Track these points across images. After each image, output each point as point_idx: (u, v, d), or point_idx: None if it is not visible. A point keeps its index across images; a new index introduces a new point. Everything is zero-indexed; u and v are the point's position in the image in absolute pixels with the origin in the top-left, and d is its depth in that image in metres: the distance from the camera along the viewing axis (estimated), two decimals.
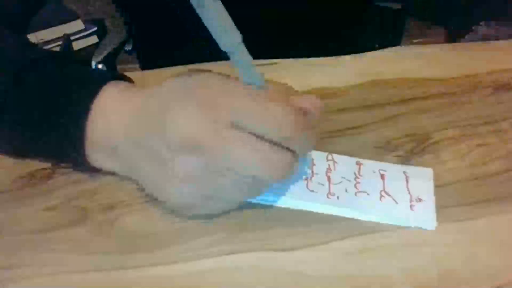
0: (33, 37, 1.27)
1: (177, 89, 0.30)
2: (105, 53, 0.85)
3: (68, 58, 0.38)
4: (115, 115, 0.33)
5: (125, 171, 0.35)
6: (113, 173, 0.36)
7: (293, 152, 0.30)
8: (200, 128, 0.28)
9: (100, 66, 0.85)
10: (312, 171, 0.37)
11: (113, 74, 0.36)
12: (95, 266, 0.31)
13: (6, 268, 0.30)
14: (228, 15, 0.27)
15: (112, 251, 0.32)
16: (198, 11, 0.26)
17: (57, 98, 0.34)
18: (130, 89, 0.35)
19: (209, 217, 0.33)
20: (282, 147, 0.29)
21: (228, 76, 0.31)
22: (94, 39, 1.36)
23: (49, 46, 1.29)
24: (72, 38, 1.31)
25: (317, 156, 0.38)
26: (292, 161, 0.30)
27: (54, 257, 0.31)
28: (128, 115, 0.32)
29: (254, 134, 0.28)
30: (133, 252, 0.32)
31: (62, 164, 0.37)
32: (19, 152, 0.38)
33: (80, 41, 1.35)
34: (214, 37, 0.27)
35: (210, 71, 0.31)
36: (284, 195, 0.35)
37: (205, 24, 0.27)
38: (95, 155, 0.34)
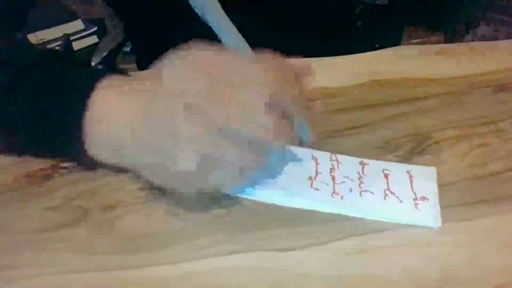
0: (33, 37, 1.27)
1: (170, 66, 0.31)
2: (104, 53, 0.85)
3: (66, 57, 0.38)
4: (115, 113, 0.33)
5: (131, 164, 0.34)
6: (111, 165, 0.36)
7: (287, 114, 0.31)
8: (202, 86, 0.29)
9: (99, 67, 0.85)
10: (316, 171, 0.37)
11: (106, 71, 0.36)
12: (95, 266, 0.31)
13: (6, 268, 0.30)
14: None
15: (112, 251, 0.32)
16: None
17: (53, 98, 0.34)
18: (127, 84, 0.35)
19: (208, 213, 0.33)
20: (276, 109, 0.30)
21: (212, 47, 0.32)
22: (94, 39, 1.36)
23: (49, 46, 1.29)
24: (72, 38, 1.31)
25: (321, 156, 0.38)
26: (287, 122, 0.31)
27: (54, 257, 0.31)
28: (129, 111, 0.33)
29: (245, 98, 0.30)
30: (133, 252, 0.32)
31: (63, 159, 0.37)
32: (18, 150, 0.37)
33: (80, 41, 1.34)
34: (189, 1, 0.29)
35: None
36: (289, 194, 0.35)
37: None
38: (97, 151, 0.34)
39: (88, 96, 0.33)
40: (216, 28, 0.29)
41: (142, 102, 0.32)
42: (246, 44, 0.31)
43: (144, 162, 0.32)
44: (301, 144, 0.35)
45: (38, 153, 0.37)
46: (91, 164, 0.35)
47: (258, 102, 0.30)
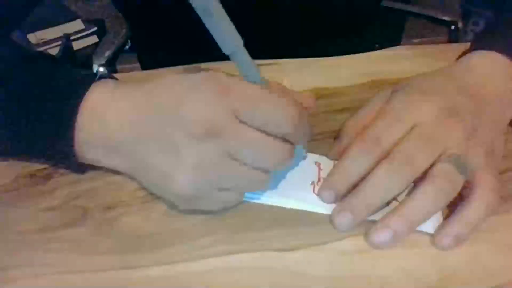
0: (33, 37, 1.27)
1: (186, 81, 0.31)
2: (106, 55, 0.84)
3: (57, 58, 0.38)
4: (111, 113, 0.32)
5: (125, 167, 0.34)
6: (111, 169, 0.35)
7: (291, 142, 0.32)
8: (219, 113, 0.29)
9: (101, 69, 0.85)
10: (319, 176, 0.37)
11: (101, 74, 0.36)
12: (95, 266, 0.31)
13: (6, 268, 0.30)
14: (230, 21, 0.28)
15: (112, 251, 0.32)
16: (203, 19, 0.27)
17: (44, 98, 0.33)
18: (122, 86, 0.34)
19: (208, 213, 0.33)
20: (284, 138, 0.31)
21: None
22: (94, 39, 1.36)
23: (49, 46, 1.29)
24: (72, 38, 1.31)
25: (324, 162, 0.38)
26: (292, 150, 0.32)
27: (54, 257, 0.31)
28: (128, 113, 0.32)
29: (259, 127, 0.30)
30: (133, 252, 0.32)
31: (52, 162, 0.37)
32: (6, 151, 0.37)
33: (80, 41, 1.35)
34: (217, 41, 0.29)
35: (210, 69, 0.32)
36: (290, 199, 0.35)
37: (209, 30, 0.28)
38: (91, 153, 0.34)
39: (81, 96, 0.33)
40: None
41: (139, 95, 0.32)
42: (253, 62, 0.31)
43: (139, 175, 0.33)
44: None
45: (27, 153, 0.37)
46: (80, 165, 0.35)
47: (273, 137, 0.30)
